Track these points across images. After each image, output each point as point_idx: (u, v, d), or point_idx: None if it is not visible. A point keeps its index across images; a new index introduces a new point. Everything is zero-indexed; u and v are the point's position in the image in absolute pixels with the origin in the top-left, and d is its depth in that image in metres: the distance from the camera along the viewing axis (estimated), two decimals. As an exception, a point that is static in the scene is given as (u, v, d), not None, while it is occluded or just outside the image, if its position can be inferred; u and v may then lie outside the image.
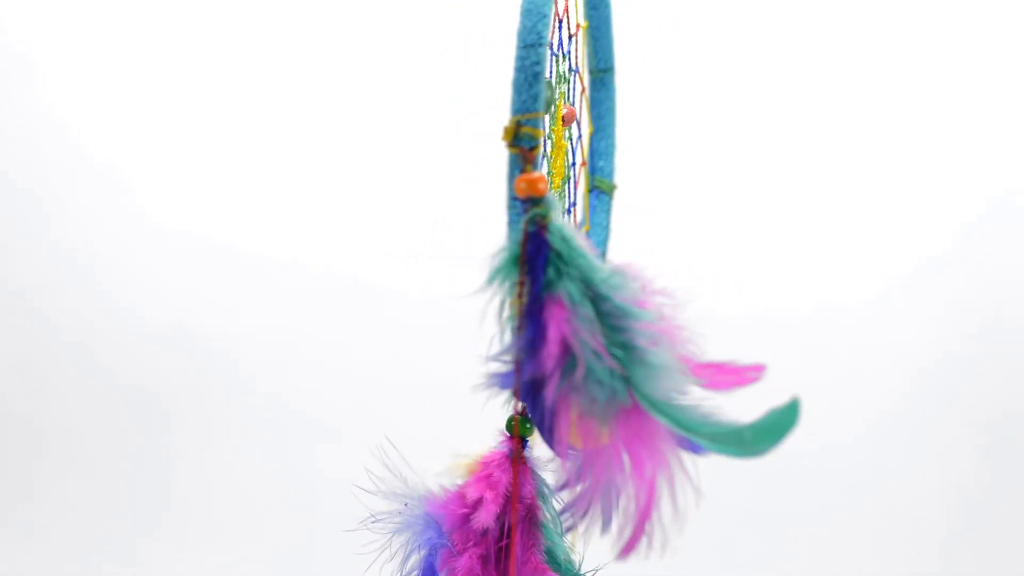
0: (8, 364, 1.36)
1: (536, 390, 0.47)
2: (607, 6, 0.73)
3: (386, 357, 1.32)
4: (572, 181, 0.65)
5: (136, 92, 1.40)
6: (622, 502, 0.46)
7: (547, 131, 0.68)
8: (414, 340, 1.30)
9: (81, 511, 1.29)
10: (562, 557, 0.62)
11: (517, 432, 0.77)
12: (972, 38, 1.31)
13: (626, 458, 0.46)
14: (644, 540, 0.45)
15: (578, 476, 0.47)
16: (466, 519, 0.60)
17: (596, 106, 0.76)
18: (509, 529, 0.61)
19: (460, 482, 0.62)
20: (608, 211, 0.77)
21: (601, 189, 0.77)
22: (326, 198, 1.39)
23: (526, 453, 0.62)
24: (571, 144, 0.63)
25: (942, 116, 1.32)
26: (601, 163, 0.78)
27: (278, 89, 1.40)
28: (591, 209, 0.78)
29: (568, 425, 0.50)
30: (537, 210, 0.46)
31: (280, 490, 1.30)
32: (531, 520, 0.62)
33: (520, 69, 0.47)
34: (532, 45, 0.47)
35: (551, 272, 0.45)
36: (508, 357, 0.48)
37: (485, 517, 0.59)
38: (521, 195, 0.46)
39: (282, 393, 1.34)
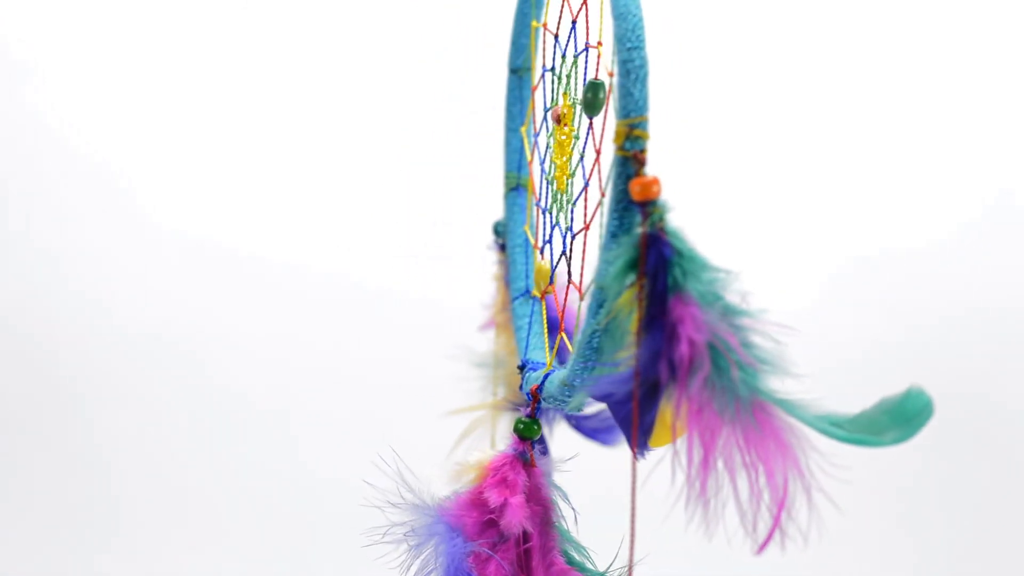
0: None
1: (652, 392, 0.47)
2: (528, 5, 0.73)
3: (385, 358, 1.31)
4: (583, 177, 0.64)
5: (132, 92, 1.40)
6: (749, 498, 0.47)
7: (550, 132, 0.67)
8: (413, 341, 1.29)
9: (75, 510, 1.30)
10: (578, 557, 0.63)
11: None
12: (930, 44, 1.36)
13: (752, 453, 0.46)
14: (780, 534, 0.46)
15: (695, 473, 0.47)
16: (489, 525, 0.60)
17: (514, 104, 0.76)
18: (528, 532, 0.61)
19: (471, 488, 0.61)
20: (526, 208, 0.77)
21: (522, 185, 0.77)
22: (325, 198, 1.39)
23: (536, 454, 0.62)
24: (580, 141, 0.62)
25: (924, 119, 1.36)
26: (521, 160, 0.79)
27: (276, 89, 1.40)
28: (511, 208, 0.78)
29: (678, 424, 0.51)
30: (655, 213, 0.46)
31: (275, 496, 1.30)
32: (547, 522, 0.62)
33: (625, 73, 0.47)
34: (636, 47, 0.47)
35: (677, 273, 0.45)
36: (619, 363, 0.48)
37: (516, 520, 0.59)
38: (637, 198, 0.46)
39: (278, 395, 1.34)
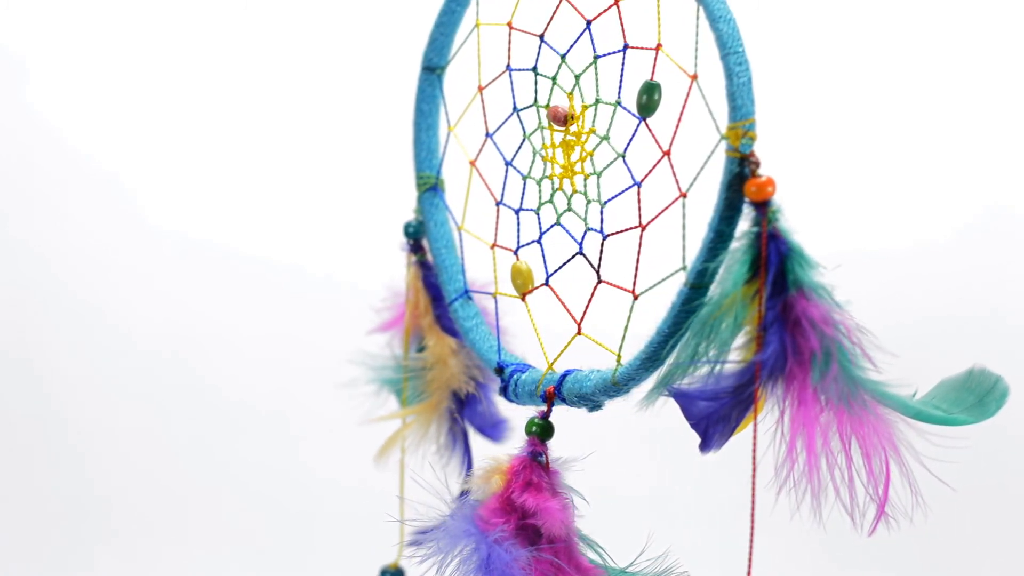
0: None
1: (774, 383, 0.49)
2: (462, 4, 0.73)
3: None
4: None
5: (129, 93, 1.38)
6: (851, 481, 0.49)
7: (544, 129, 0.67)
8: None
9: (71, 513, 1.30)
10: (592, 555, 0.63)
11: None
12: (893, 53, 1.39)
13: (855, 438, 0.48)
14: (886, 517, 0.49)
15: (804, 460, 0.49)
16: (523, 529, 0.60)
17: (426, 102, 0.76)
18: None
19: (496, 493, 0.61)
20: (446, 207, 0.77)
21: (439, 185, 0.77)
22: (324, 199, 1.38)
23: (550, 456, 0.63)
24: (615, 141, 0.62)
25: (916, 121, 1.36)
26: (436, 160, 0.79)
27: (274, 89, 1.38)
28: (431, 208, 0.78)
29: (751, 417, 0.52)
30: (772, 212, 0.47)
31: (275, 498, 1.30)
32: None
33: (735, 75, 0.48)
34: (739, 52, 0.48)
35: (796, 269, 0.47)
36: (726, 361, 0.49)
37: (558, 522, 0.59)
38: (754, 199, 0.47)
39: (277, 396, 1.34)
